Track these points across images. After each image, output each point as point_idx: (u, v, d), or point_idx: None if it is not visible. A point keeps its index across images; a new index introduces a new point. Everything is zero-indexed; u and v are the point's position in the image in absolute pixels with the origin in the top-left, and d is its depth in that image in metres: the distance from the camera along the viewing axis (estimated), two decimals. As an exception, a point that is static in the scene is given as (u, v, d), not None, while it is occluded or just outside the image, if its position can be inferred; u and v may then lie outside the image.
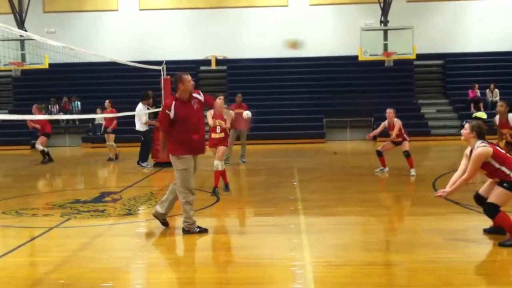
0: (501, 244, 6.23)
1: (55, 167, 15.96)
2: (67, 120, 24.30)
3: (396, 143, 12.45)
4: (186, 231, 7.07)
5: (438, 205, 8.54)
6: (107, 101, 17.10)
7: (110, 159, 16.65)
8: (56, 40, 9.99)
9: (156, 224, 7.44)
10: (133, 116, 14.80)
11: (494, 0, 27.04)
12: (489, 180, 6.59)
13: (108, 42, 27.25)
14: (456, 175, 6.52)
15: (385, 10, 25.39)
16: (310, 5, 27.76)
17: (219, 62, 27.83)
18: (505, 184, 6.22)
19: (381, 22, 25.53)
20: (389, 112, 12.44)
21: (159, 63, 15.87)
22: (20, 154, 20.67)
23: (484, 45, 26.73)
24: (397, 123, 12.21)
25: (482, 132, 6.42)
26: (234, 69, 27.18)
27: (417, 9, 26.76)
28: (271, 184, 11.44)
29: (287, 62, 26.68)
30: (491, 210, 6.27)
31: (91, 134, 23.87)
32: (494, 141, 9.07)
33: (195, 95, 7.13)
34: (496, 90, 23.85)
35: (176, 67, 24.13)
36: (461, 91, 24.94)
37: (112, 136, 16.88)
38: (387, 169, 12.64)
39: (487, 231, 6.72)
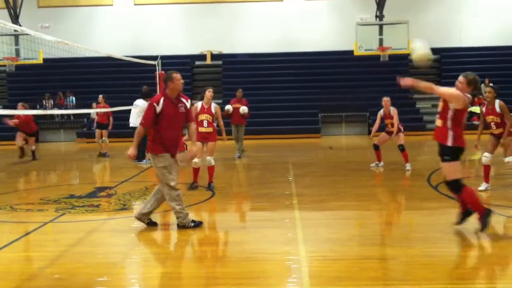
0: (482, 229, 6.32)
1: (49, 162, 15.91)
2: (62, 115, 24.23)
3: (391, 133, 12.44)
4: (181, 226, 7.05)
5: (434, 199, 8.58)
6: (100, 96, 16.99)
7: (103, 155, 16.57)
8: (50, 35, 9.93)
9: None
10: (126, 111, 14.71)
11: (489, -5, 27.11)
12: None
13: (102, 37, 27.18)
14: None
15: (380, 5, 25.42)
16: (306, 0, 27.74)
17: (214, 57, 27.79)
18: (445, 157, 6.27)
19: (376, 17, 25.57)
20: (386, 100, 12.41)
21: (154, 58, 15.87)
22: (15, 149, 20.55)
23: (479, 40, 26.81)
24: (394, 111, 12.22)
25: (478, 87, 6.41)
26: (229, 64, 27.15)
27: (413, 4, 26.78)
28: (266, 179, 11.44)
29: (283, 57, 26.70)
30: (454, 185, 6.33)
31: (86, 129, 23.81)
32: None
33: (183, 99, 7.09)
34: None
35: (171, 62, 24.27)
36: (456, 86, 24.94)
37: (105, 132, 16.78)
38: (382, 163, 12.65)
39: (460, 223, 6.65)
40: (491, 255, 5.99)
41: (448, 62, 26.53)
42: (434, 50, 26.55)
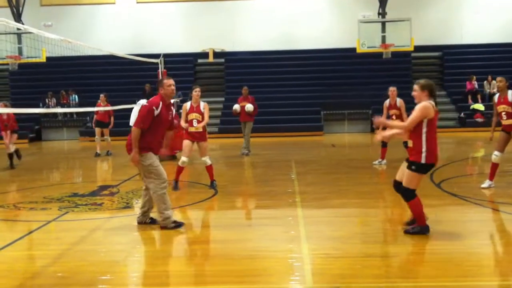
0: (406, 232, 6.32)
1: (52, 161, 15.93)
2: (65, 114, 24.24)
3: None
4: (163, 227, 6.92)
5: (436, 196, 8.57)
6: (102, 95, 16.97)
7: (106, 153, 16.60)
8: (53, 34, 9.94)
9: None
10: (129, 109, 14.66)
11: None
12: (402, 165, 6.53)
13: (105, 35, 27.18)
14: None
15: (383, 2, 25.36)
16: (308, -3, 27.73)
17: (216, 55, 27.77)
18: (413, 167, 6.23)
19: (379, 14, 25.51)
20: (392, 90, 12.25)
21: (156, 56, 15.85)
22: (18, 148, 20.60)
23: (482, 37, 26.73)
24: (401, 103, 12.07)
25: (433, 89, 6.28)
26: (232, 62, 27.13)
27: (415, 1, 26.72)
28: (269, 177, 11.45)
29: (285, 55, 26.66)
30: (407, 193, 6.30)
31: (90, 127, 23.80)
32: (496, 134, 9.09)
33: (171, 107, 7.21)
34: (494, 81, 23.81)
35: (173, 60, 24.29)
36: (458, 83, 24.94)
37: (107, 131, 16.77)
38: (384, 161, 12.64)
39: (408, 228, 6.53)
40: (494, 253, 5.99)
41: (450, 59, 26.49)
42: (436, 47, 26.71)
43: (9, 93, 26.71)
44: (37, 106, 21.53)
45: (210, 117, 24.50)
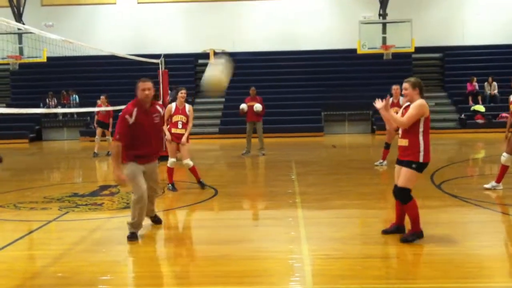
0: (404, 240, 6.12)
1: (53, 161, 15.93)
2: (65, 114, 24.24)
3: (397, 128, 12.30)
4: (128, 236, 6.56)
5: (436, 197, 8.57)
6: (102, 96, 16.97)
7: (107, 153, 16.59)
8: (54, 34, 9.94)
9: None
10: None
11: (492, -7, 27.04)
12: (396, 168, 6.45)
13: (106, 35, 27.19)
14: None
15: (383, 3, 25.38)
16: (309, -2, 27.73)
17: (217, 55, 27.75)
18: (413, 165, 6.13)
19: (379, 15, 25.53)
20: (396, 88, 12.17)
21: (157, 56, 15.81)
22: (18, 147, 20.65)
23: (482, 38, 26.74)
24: (404, 101, 12.06)
25: (423, 87, 6.23)
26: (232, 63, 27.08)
27: (416, 2, 26.72)
28: (269, 178, 11.45)
29: (286, 56, 26.66)
30: (404, 193, 6.17)
31: (91, 127, 23.80)
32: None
33: (158, 108, 6.71)
34: (494, 83, 23.83)
35: (174, 60, 24.29)
36: (459, 84, 24.92)
37: (108, 132, 16.77)
38: (385, 162, 12.63)
39: (387, 232, 6.48)
40: (494, 255, 5.98)
41: (451, 61, 26.49)
42: (436, 49, 26.71)
43: (10, 93, 26.74)
44: (38, 106, 21.52)
45: (211, 117, 24.52)
